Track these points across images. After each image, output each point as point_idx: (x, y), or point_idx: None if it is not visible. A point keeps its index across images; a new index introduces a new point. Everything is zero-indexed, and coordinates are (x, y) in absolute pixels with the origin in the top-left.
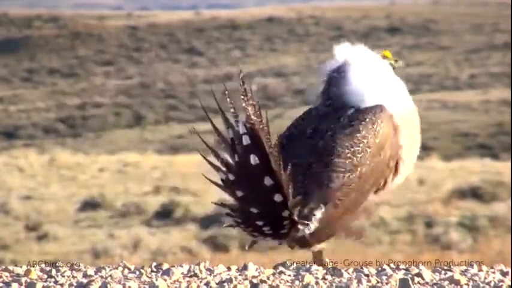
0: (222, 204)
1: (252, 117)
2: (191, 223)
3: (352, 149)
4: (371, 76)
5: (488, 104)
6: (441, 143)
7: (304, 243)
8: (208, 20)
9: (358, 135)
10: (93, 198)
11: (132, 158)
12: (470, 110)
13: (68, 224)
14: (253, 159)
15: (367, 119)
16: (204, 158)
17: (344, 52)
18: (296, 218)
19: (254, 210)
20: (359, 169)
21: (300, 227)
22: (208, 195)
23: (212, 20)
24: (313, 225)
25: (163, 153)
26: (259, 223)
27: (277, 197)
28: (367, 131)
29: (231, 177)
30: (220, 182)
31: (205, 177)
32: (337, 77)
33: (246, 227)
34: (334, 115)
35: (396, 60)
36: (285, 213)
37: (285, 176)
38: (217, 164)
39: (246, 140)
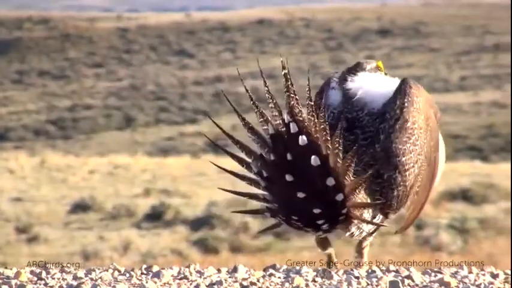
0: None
1: (301, 114)
2: (181, 225)
3: (411, 141)
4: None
5: (479, 106)
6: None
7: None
8: (198, 22)
9: (408, 124)
10: (83, 200)
11: (123, 160)
12: (461, 112)
13: (58, 226)
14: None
15: (405, 103)
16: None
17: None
18: (356, 220)
19: (317, 210)
20: (423, 152)
21: (360, 224)
22: (199, 197)
23: (202, 22)
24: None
25: (154, 155)
26: (319, 222)
27: (339, 197)
28: (412, 115)
29: (288, 178)
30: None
31: (223, 168)
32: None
33: (294, 224)
34: (367, 117)
35: (386, 74)
36: (339, 197)
37: (340, 161)
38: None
39: (293, 128)
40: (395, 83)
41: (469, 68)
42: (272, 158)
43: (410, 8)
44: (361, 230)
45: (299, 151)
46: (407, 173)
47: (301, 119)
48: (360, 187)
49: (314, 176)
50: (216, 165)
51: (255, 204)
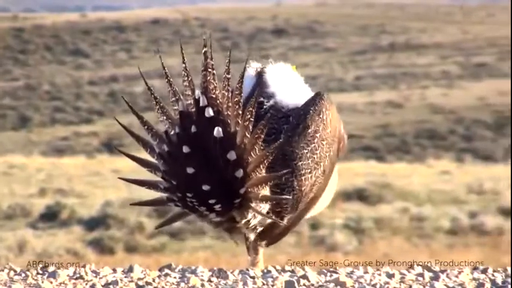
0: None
1: (215, 90)
2: (77, 225)
3: (309, 148)
4: (296, 80)
5: (374, 106)
6: None
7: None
8: (94, 22)
9: (308, 131)
10: None
11: (18, 160)
12: (356, 112)
13: None
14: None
15: (311, 111)
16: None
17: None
18: (254, 205)
19: (206, 187)
20: (321, 164)
21: (250, 214)
22: (94, 197)
23: (98, 21)
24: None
25: (49, 155)
26: (211, 201)
27: (239, 173)
28: (315, 124)
29: (184, 150)
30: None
31: (125, 154)
32: (266, 81)
33: (189, 204)
34: (277, 115)
35: None
36: (239, 173)
37: (255, 150)
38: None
39: (208, 112)
40: (309, 90)
41: (364, 68)
42: (176, 131)
43: (305, 8)
44: (257, 220)
45: (204, 123)
46: (303, 178)
47: (213, 93)
48: (262, 164)
49: (214, 148)
50: (124, 153)
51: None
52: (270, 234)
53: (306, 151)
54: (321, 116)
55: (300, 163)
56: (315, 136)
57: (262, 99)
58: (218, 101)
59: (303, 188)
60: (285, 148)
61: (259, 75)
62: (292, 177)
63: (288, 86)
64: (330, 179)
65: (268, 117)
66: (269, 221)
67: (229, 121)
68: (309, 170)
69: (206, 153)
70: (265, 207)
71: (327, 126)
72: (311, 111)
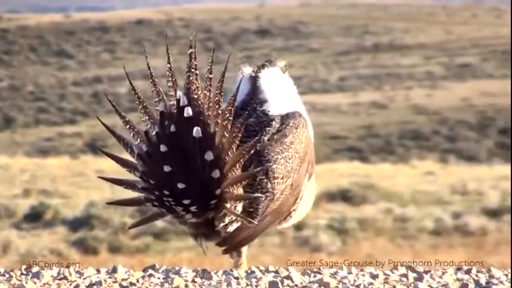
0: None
1: (197, 90)
2: (61, 225)
3: (284, 155)
4: (286, 87)
5: (358, 107)
6: None
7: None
8: (78, 23)
9: (285, 140)
10: None
11: (2, 160)
12: (340, 113)
13: None
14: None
15: (291, 123)
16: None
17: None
18: (229, 206)
19: (182, 185)
20: (292, 175)
21: (227, 217)
22: (78, 197)
23: (82, 22)
24: (237, 224)
25: (33, 156)
26: (186, 201)
27: (215, 174)
28: (293, 135)
29: (162, 149)
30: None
31: (103, 151)
32: (257, 84)
33: (166, 203)
34: (260, 119)
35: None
36: (215, 174)
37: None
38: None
39: (187, 112)
40: (297, 98)
41: (348, 69)
42: (156, 131)
43: (289, 9)
44: (234, 223)
45: (184, 123)
46: (276, 181)
47: (194, 93)
48: (238, 164)
49: (193, 148)
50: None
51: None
52: (232, 240)
53: (280, 157)
54: (298, 130)
55: (274, 166)
56: (290, 146)
57: (255, 104)
58: (199, 102)
59: (275, 191)
60: (261, 150)
61: (254, 80)
62: (266, 178)
63: (279, 93)
64: (301, 197)
65: (245, 116)
66: (237, 225)
67: (209, 121)
68: (282, 176)
69: (184, 153)
70: (239, 207)
71: (302, 141)
72: (291, 123)
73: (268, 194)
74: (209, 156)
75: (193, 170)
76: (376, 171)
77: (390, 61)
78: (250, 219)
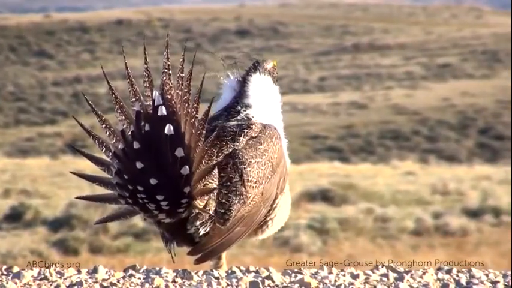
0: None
1: (171, 90)
2: (41, 226)
3: (257, 160)
4: (271, 95)
5: (338, 107)
6: (290, 145)
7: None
8: (57, 23)
9: (260, 147)
10: None
11: None
12: (320, 113)
13: None
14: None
15: (267, 133)
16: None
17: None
18: (199, 202)
19: (154, 181)
20: (263, 182)
21: (199, 220)
22: (58, 197)
23: (62, 22)
24: (208, 227)
25: (13, 156)
26: (159, 197)
27: (184, 170)
28: (267, 144)
29: (135, 146)
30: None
31: (77, 149)
32: (243, 90)
33: (140, 201)
34: (240, 122)
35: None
36: (187, 189)
37: (201, 150)
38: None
39: (161, 111)
40: (277, 108)
41: (328, 69)
42: (131, 129)
43: (269, 9)
44: (205, 226)
45: (157, 121)
46: (249, 184)
47: (168, 93)
48: (204, 160)
49: (165, 145)
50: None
51: (115, 205)
52: (203, 249)
53: (254, 161)
54: (272, 140)
55: (248, 168)
56: (264, 154)
57: (239, 107)
58: (173, 101)
59: (248, 194)
60: (237, 152)
61: (242, 83)
62: (240, 180)
63: (263, 101)
64: (275, 209)
65: (206, 111)
66: (204, 231)
67: (180, 120)
68: (254, 180)
69: (157, 150)
70: (211, 207)
71: (275, 152)
72: (267, 133)
73: (241, 197)
74: (180, 152)
75: (165, 166)
76: (356, 171)
77: (370, 61)
78: (221, 220)
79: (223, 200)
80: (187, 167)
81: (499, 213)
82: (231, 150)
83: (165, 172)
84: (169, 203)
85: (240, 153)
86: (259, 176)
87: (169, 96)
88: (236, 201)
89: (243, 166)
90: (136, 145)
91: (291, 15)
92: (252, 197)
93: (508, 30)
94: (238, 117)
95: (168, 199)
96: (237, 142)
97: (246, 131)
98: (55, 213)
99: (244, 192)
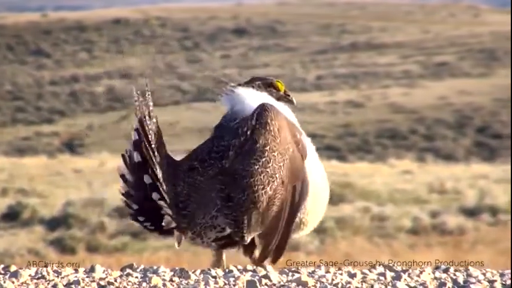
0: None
1: (144, 115)
2: (38, 225)
3: (260, 162)
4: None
5: (335, 105)
6: None
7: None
8: (55, 22)
9: (257, 146)
10: None
11: None
12: (317, 111)
13: None
14: (137, 157)
15: (258, 125)
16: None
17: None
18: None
19: (135, 206)
20: (277, 176)
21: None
22: (55, 196)
23: (59, 21)
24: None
25: (10, 155)
26: (140, 219)
27: (155, 195)
28: (263, 137)
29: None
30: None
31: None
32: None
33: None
34: (229, 130)
35: (285, 91)
36: (164, 211)
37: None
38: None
39: (134, 136)
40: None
41: (325, 68)
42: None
43: (266, 7)
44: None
45: (135, 148)
46: (256, 194)
47: (144, 119)
48: (169, 182)
49: (137, 173)
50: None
51: (112, 204)
52: (265, 252)
53: (257, 167)
54: (267, 128)
55: (251, 180)
56: (265, 150)
57: (229, 122)
58: (145, 128)
59: (258, 205)
60: (235, 167)
61: (243, 97)
62: (244, 195)
63: (249, 103)
64: (307, 185)
65: (154, 122)
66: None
67: (146, 146)
68: (262, 186)
69: (136, 178)
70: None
71: (276, 137)
72: (257, 125)
73: (249, 210)
74: (148, 180)
75: (140, 193)
76: (353, 170)
77: (367, 60)
78: (239, 239)
79: (232, 220)
80: (156, 193)
81: (496, 212)
82: (218, 170)
83: (141, 198)
84: (151, 224)
85: (235, 167)
86: (268, 176)
87: (143, 124)
88: (244, 215)
89: (245, 181)
90: (128, 176)
91: (288, 13)
92: (271, 196)
93: (505, 29)
94: (231, 129)
95: (149, 221)
96: (225, 159)
97: (233, 141)
98: (52, 212)
99: (251, 205)
